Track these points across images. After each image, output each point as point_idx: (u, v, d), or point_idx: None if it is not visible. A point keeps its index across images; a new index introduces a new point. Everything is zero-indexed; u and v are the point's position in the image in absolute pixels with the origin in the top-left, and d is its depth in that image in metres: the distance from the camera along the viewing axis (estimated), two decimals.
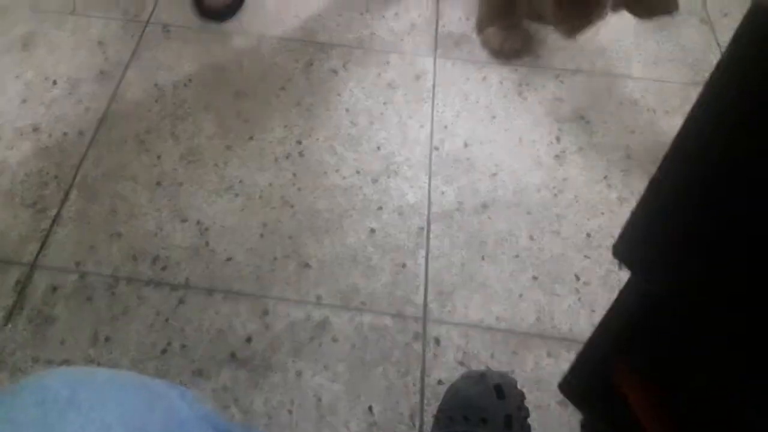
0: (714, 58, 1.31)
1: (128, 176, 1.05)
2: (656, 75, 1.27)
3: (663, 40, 1.33)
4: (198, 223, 1.00)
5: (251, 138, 1.12)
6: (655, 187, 0.47)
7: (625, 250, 0.51)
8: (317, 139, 1.13)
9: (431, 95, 1.21)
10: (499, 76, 1.25)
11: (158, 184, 1.04)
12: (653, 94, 1.24)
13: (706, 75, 0.43)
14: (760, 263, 0.40)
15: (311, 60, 1.25)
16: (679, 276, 0.46)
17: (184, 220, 1.01)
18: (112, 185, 1.04)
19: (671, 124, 1.19)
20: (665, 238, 0.46)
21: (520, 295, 0.96)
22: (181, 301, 0.91)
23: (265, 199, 1.04)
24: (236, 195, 1.04)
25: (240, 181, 1.06)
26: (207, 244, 0.98)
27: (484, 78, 1.25)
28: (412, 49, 1.29)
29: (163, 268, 0.94)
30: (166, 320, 0.89)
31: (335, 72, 1.24)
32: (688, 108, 0.46)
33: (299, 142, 1.12)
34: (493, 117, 1.18)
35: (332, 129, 1.15)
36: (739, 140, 0.39)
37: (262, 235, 1.00)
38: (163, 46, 1.24)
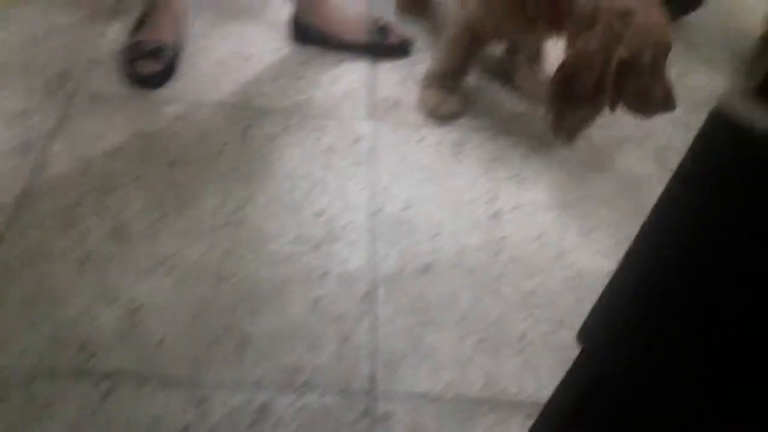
0: None
1: (51, 256, 0.98)
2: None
3: None
4: (128, 303, 0.95)
5: (185, 208, 1.09)
6: (616, 279, 0.48)
7: (588, 335, 0.51)
8: (256, 205, 1.10)
9: (370, 158, 1.21)
10: (436, 138, 1.27)
11: (84, 263, 0.99)
12: (583, 150, 1.28)
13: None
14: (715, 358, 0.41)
15: (248, 125, 1.24)
16: (636, 361, 0.46)
17: (112, 301, 0.95)
18: (33, 266, 0.97)
19: (603, 179, 1.23)
20: (626, 328, 0.46)
21: (468, 360, 0.94)
22: (108, 393, 0.85)
23: (200, 273, 1.00)
24: (169, 270, 1.00)
25: (173, 255, 1.02)
26: (138, 326, 0.93)
27: (422, 140, 1.26)
28: (350, 114, 1.29)
29: (89, 357, 0.88)
30: (92, 416, 0.83)
31: (273, 137, 1.23)
32: None
33: (237, 210, 1.09)
34: (432, 178, 1.19)
35: (271, 195, 1.13)
36: (696, 250, 0.40)
37: (197, 313, 0.95)
38: (91, 116, 1.20)
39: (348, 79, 1.37)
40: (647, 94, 0.99)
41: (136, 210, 1.07)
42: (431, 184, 1.18)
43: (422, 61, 1.42)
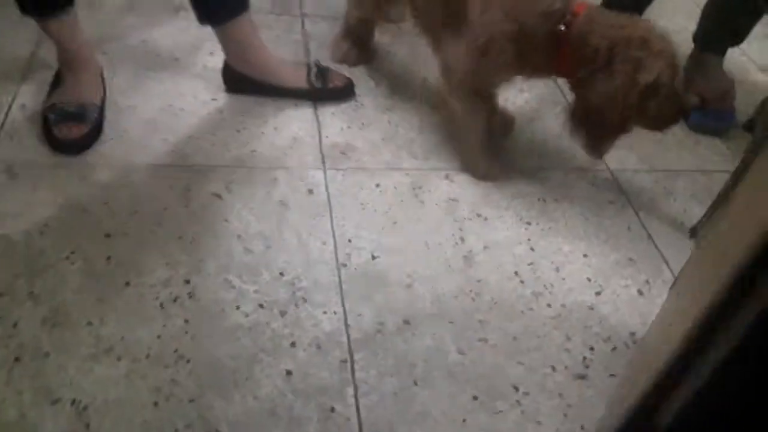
0: None
1: None
2: (540, 165, 1.30)
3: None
4: (73, 402, 0.82)
5: (128, 284, 0.96)
6: None
7: None
8: (209, 274, 1.00)
9: (327, 209, 1.14)
10: (391, 182, 1.21)
11: (17, 360, 0.85)
12: (540, 182, 1.26)
13: None
14: None
15: (188, 186, 1.14)
16: None
17: (55, 401, 0.81)
18: None
19: (564, 209, 1.21)
20: None
21: (463, 421, 0.87)
22: None
23: (154, 357, 0.88)
24: (118, 358, 0.87)
25: (120, 340, 0.89)
26: (87, 427, 0.80)
27: (378, 185, 1.20)
28: (299, 163, 1.22)
29: None
30: None
31: (218, 196, 1.13)
32: None
33: (187, 281, 0.98)
34: (395, 223, 1.13)
35: (224, 260, 1.02)
36: None
37: (156, 404, 0.83)
38: (9, 190, 1.06)
39: (292, 127, 1.29)
40: (667, 111, 1.02)
41: (72, 291, 0.94)
42: (395, 230, 1.12)
43: (366, 104, 1.37)
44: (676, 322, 0.72)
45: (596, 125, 1.04)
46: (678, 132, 1.42)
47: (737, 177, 1.08)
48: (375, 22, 1.43)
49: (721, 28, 1.41)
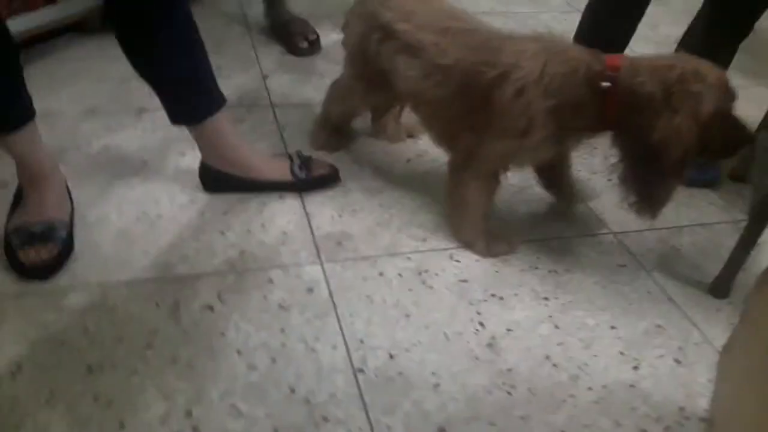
0: None
1: None
2: (541, 234, 1.25)
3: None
4: None
5: (122, 426, 0.83)
6: None
7: None
8: (211, 401, 0.88)
9: (332, 307, 1.04)
10: (395, 268, 1.13)
11: None
12: (546, 253, 1.21)
13: None
14: None
15: (176, 301, 1.03)
16: None
17: None
18: None
19: (579, 278, 1.15)
20: None
21: None
22: None
23: None
24: None
25: None
26: None
27: (381, 273, 1.12)
28: (293, 260, 1.13)
29: None
30: None
31: (210, 308, 1.02)
32: None
33: (189, 413, 0.86)
34: (407, 315, 1.04)
35: (227, 382, 0.91)
36: None
37: None
38: None
39: (280, 221, 1.21)
40: (730, 138, 0.99)
41: None
42: (410, 323, 1.03)
43: (353, 189, 1.31)
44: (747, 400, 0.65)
45: (654, 173, 0.98)
46: None
47: (753, 229, 1.06)
48: (357, 114, 1.39)
49: None
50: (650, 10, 1.43)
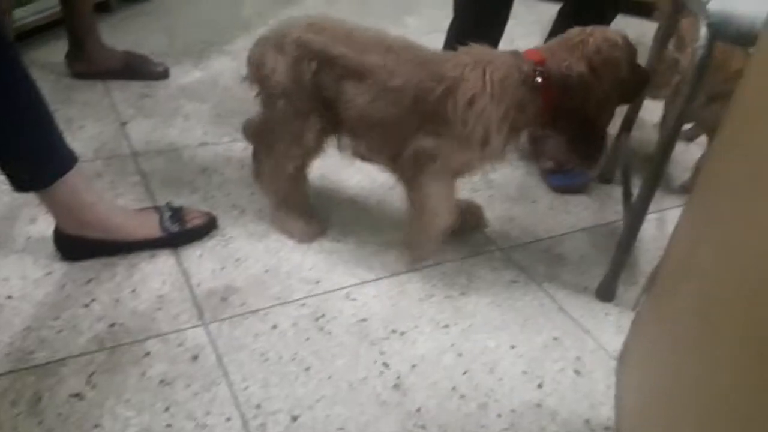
0: None
1: None
2: (433, 258, 1.24)
3: None
4: None
5: None
6: None
7: None
8: None
9: (222, 373, 0.95)
10: (289, 318, 1.06)
11: None
12: (440, 278, 1.19)
13: None
14: None
15: (37, 394, 0.89)
16: None
17: None
18: None
19: (476, 301, 1.14)
20: None
21: None
22: None
23: None
24: None
25: None
26: None
27: (275, 326, 1.04)
28: (173, 326, 1.02)
29: None
30: None
31: (79, 396, 0.89)
32: None
33: None
34: (307, 369, 0.97)
35: None
36: None
37: None
38: None
39: (154, 284, 1.10)
40: (639, 81, 1.13)
41: None
42: (310, 376, 0.96)
43: (235, 236, 1.22)
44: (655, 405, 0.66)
45: (590, 136, 1.08)
46: (545, 198, 1.45)
47: (632, 228, 1.10)
48: (315, 155, 1.23)
49: None
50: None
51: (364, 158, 1.32)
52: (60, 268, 1.11)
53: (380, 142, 1.14)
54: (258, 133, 1.27)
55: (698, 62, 0.95)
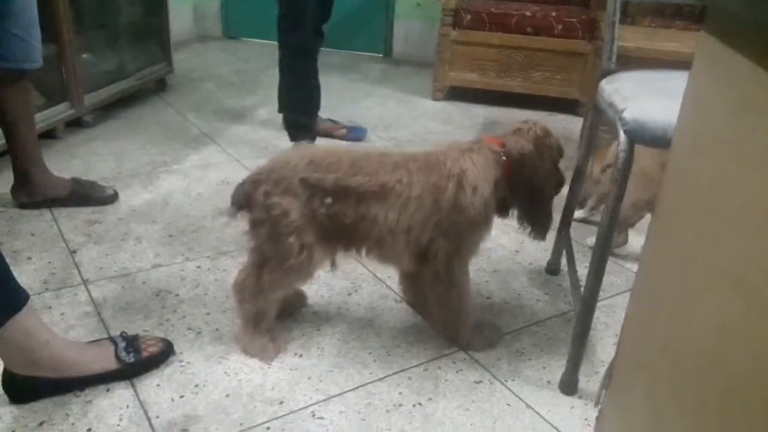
0: None
1: None
2: (399, 366, 1.24)
3: None
4: None
5: None
6: None
7: None
8: None
9: None
10: None
11: None
12: (407, 384, 1.19)
13: None
14: None
15: None
16: None
17: None
18: None
19: (438, 407, 1.14)
20: None
21: None
22: None
23: None
24: None
25: None
26: None
27: None
28: None
29: None
30: None
31: None
32: None
33: None
34: None
35: None
36: None
37: None
38: None
39: (111, 420, 1.05)
40: (559, 176, 1.34)
41: None
42: None
43: (192, 361, 1.20)
44: None
45: (539, 206, 1.28)
46: (498, 293, 1.49)
47: (584, 321, 1.14)
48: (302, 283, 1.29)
49: None
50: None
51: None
52: (9, 413, 1.05)
53: (403, 247, 1.20)
54: (251, 267, 1.23)
55: (621, 163, 1.04)
